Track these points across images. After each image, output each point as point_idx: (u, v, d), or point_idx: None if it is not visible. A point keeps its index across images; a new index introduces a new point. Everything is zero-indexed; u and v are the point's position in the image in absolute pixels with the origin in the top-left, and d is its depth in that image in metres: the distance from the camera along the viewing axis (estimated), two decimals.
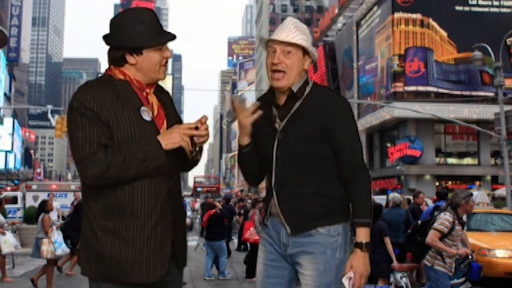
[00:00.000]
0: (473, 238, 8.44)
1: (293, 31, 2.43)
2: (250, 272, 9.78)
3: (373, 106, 33.89)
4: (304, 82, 2.48)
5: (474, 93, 31.04)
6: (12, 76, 62.38)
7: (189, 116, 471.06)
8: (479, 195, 15.58)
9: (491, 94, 28.50)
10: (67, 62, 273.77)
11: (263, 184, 2.64)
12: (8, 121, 50.83)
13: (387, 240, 7.33)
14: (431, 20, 31.84)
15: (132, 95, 2.19)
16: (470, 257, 5.93)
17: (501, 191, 23.45)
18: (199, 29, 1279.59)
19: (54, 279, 9.03)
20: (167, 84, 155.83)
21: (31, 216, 15.32)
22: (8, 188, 37.61)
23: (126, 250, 2.09)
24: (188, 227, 22.52)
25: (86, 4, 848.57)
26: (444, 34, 31.80)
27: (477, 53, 20.42)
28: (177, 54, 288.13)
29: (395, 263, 7.02)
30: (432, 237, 5.37)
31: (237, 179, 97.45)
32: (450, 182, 31.60)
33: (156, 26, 2.21)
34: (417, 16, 31.84)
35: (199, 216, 22.75)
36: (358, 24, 38.32)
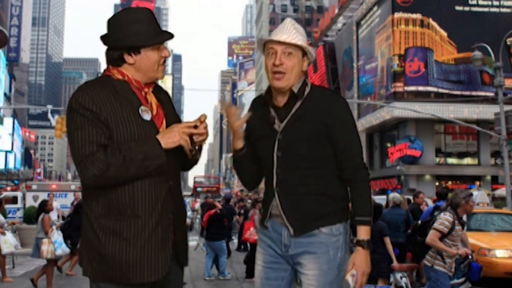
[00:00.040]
0: (473, 238, 8.43)
1: (292, 32, 2.42)
2: (250, 272, 9.77)
3: (373, 106, 33.88)
4: (303, 83, 2.48)
5: (474, 93, 31.02)
6: (12, 76, 62.35)
7: (189, 116, 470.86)
8: (479, 195, 15.59)
9: (491, 94, 28.48)
10: (67, 62, 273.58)
11: (263, 184, 2.62)
12: (8, 121, 50.81)
13: (387, 240, 7.32)
14: (431, 20, 31.82)
15: (131, 95, 2.19)
16: (470, 257, 5.92)
17: (501, 191, 23.44)
18: (199, 29, 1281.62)
19: (54, 279, 9.03)
20: (167, 84, 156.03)
21: (31, 216, 15.31)
22: (8, 188, 37.60)
23: (128, 250, 2.08)
24: (188, 227, 22.48)
25: (86, 4, 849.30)
26: (444, 34, 31.79)
27: (477, 53, 20.42)
28: (177, 54, 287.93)
29: (395, 263, 7.02)
30: (432, 237, 5.37)
31: (237, 179, 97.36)
32: (450, 182, 31.59)
33: (154, 25, 2.20)
34: (417, 16, 31.82)
35: (199, 216, 22.74)
36: (358, 24, 38.30)
